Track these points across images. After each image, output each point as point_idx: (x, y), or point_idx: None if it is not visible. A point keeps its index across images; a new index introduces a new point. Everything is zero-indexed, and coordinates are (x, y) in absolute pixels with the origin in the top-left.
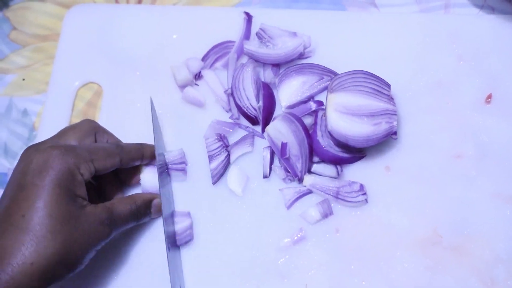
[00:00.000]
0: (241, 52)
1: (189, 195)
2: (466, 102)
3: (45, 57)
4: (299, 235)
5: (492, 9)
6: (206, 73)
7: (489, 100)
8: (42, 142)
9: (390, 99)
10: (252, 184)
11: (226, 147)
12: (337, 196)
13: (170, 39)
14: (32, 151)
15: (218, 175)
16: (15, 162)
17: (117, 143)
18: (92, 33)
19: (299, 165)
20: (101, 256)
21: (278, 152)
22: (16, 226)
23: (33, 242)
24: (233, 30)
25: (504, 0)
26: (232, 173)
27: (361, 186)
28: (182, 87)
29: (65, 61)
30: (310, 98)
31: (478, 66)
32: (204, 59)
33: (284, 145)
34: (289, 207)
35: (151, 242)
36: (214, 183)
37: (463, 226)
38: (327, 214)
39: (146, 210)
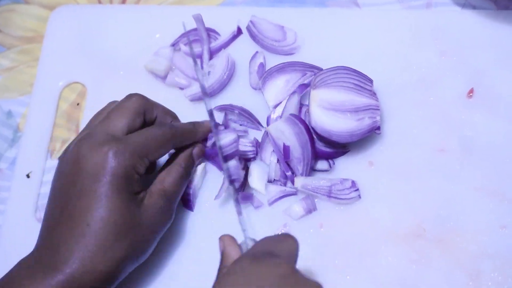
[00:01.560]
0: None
1: None
2: (448, 97)
3: (31, 59)
4: (282, 231)
5: (473, 7)
6: (176, 57)
7: (470, 94)
8: (92, 134)
9: (373, 94)
10: None
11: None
12: (329, 195)
13: (153, 38)
14: (85, 149)
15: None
16: (0, 163)
17: (170, 126)
18: (76, 33)
19: (300, 168)
20: None
21: (279, 154)
22: (83, 234)
23: (101, 250)
24: (217, 29)
25: None
26: (254, 172)
27: (353, 182)
28: (164, 78)
29: (49, 61)
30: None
31: (460, 62)
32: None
33: (286, 148)
34: (271, 204)
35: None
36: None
37: (447, 219)
38: (310, 209)
39: (191, 164)
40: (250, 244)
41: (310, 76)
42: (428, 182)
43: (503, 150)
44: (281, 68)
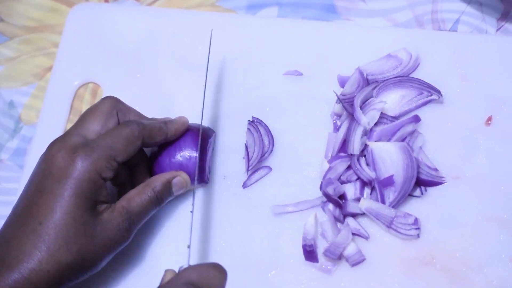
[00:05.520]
0: None
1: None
2: (466, 122)
3: (33, 49)
4: None
5: (480, 4)
6: None
7: (489, 122)
8: (65, 135)
9: None
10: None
11: None
12: (389, 225)
13: (173, 42)
14: (55, 150)
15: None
16: (2, 154)
17: (138, 122)
18: (94, 33)
19: (391, 196)
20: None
21: (372, 173)
22: (33, 232)
23: (49, 251)
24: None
25: None
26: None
27: (416, 219)
28: None
29: (66, 60)
30: (408, 112)
31: (481, 87)
32: None
33: (390, 179)
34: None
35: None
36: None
37: (457, 248)
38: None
39: (167, 192)
40: None
41: (426, 96)
42: (441, 209)
43: None
44: (399, 82)
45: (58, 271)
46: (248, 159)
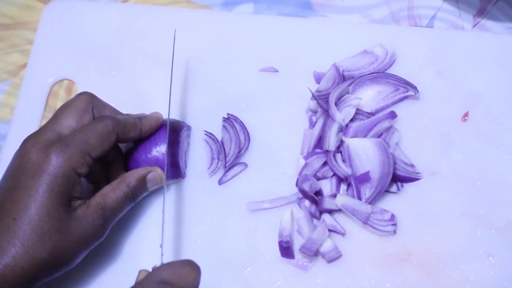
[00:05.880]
0: None
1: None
2: (442, 118)
3: (7, 46)
4: None
5: (456, 1)
6: None
7: (465, 118)
8: (40, 131)
9: None
10: None
11: None
12: (366, 221)
13: (146, 38)
14: (29, 146)
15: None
16: None
17: (112, 118)
18: (69, 30)
19: (367, 193)
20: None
21: (348, 169)
22: (7, 227)
23: (23, 246)
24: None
25: None
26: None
27: (392, 216)
28: None
29: (40, 57)
30: (384, 108)
31: (457, 83)
32: None
33: (366, 175)
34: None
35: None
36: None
37: (433, 244)
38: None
39: (142, 188)
40: None
41: (403, 92)
42: (417, 205)
43: (494, 177)
44: (375, 78)
45: (33, 267)
46: (224, 156)
